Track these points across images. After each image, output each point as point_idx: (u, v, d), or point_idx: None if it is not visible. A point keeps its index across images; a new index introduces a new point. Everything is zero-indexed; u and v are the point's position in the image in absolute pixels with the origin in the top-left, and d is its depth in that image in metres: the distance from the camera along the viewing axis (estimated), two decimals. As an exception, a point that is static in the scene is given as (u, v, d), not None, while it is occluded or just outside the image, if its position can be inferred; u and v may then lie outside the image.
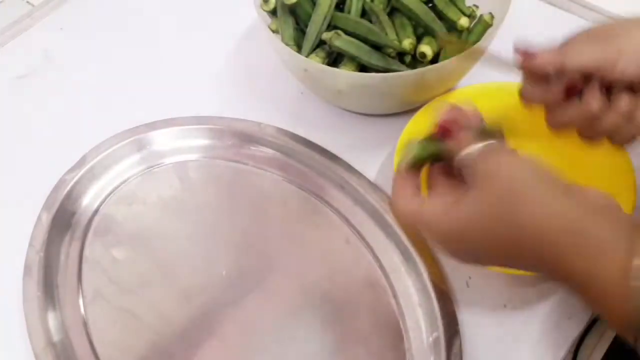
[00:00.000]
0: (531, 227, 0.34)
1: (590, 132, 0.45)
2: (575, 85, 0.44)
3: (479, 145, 0.38)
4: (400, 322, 0.51)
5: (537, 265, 0.35)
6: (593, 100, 0.43)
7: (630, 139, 0.44)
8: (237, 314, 0.52)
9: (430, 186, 0.42)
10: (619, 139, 0.44)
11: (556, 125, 0.46)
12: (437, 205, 0.38)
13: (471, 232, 0.36)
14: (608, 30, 0.44)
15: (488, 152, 0.38)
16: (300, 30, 0.64)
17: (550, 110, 0.46)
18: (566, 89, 0.44)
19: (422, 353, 0.50)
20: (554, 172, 0.36)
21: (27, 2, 0.82)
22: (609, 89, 0.44)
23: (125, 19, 0.78)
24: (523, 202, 0.34)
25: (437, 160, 0.42)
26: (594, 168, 0.57)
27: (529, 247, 0.34)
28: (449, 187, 0.40)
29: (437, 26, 0.61)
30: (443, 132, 0.41)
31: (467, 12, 0.63)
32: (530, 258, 0.35)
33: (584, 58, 0.43)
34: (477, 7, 0.65)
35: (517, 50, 0.44)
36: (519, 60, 0.44)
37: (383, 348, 0.50)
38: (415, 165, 0.41)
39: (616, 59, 0.41)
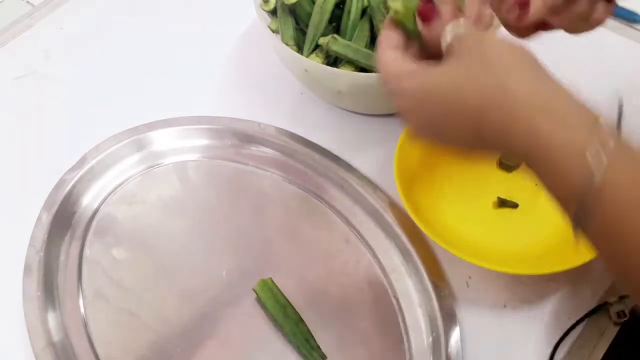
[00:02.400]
0: (510, 92, 0.34)
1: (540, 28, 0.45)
2: None
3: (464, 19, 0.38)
4: (400, 322, 0.51)
5: (500, 135, 0.35)
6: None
7: (582, 32, 0.45)
8: (237, 314, 0.52)
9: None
10: (573, 32, 0.45)
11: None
12: (421, 63, 0.38)
13: (447, 87, 0.36)
14: None
15: (478, 32, 0.38)
16: (300, 30, 0.64)
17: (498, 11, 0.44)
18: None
19: (422, 353, 0.50)
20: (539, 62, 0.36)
21: (27, 2, 0.82)
22: None
23: (125, 19, 0.78)
24: (508, 71, 0.35)
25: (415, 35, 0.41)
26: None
27: (501, 112, 0.34)
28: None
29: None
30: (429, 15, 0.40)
31: (467, 12, 0.63)
32: (496, 124, 0.35)
33: None
34: (477, 7, 0.65)
35: (508, 14, 0.43)
36: (514, 22, 0.43)
37: (383, 348, 0.50)
38: (398, 21, 0.40)
39: None
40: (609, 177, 0.31)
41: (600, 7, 0.44)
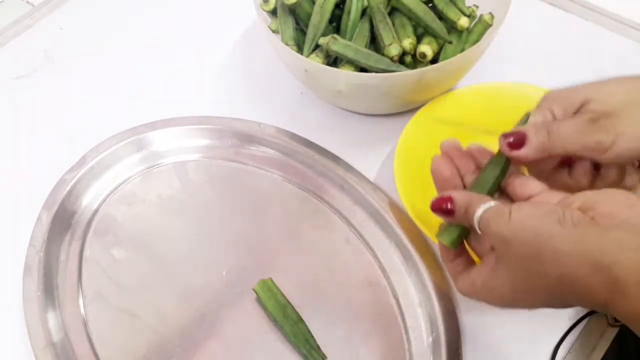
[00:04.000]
0: (558, 275, 0.35)
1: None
2: (566, 159, 0.43)
3: (479, 213, 0.39)
4: (400, 322, 0.51)
5: (584, 299, 0.36)
6: (583, 177, 0.43)
7: None
8: (237, 314, 0.52)
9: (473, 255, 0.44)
10: None
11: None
12: (481, 279, 0.41)
13: (517, 293, 0.39)
14: (604, 106, 0.41)
15: (491, 220, 0.38)
16: (300, 30, 0.64)
17: (538, 175, 0.44)
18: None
19: (422, 353, 0.50)
20: (554, 214, 0.36)
21: (27, 2, 0.82)
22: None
23: (125, 19, 0.78)
24: (542, 258, 0.36)
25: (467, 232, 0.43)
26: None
27: (567, 290, 0.36)
28: (484, 256, 0.42)
29: (437, 26, 0.61)
30: (444, 214, 0.42)
31: (467, 12, 0.63)
32: (572, 294, 0.36)
33: (574, 146, 0.41)
34: (477, 7, 0.65)
35: (503, 139, 0.42)
36: (505, 150, 0.42)
37: (383, 348, 0.50)
38: (453, 248, 0.43)
39: (609, 146, 0.40)
40: None
41: (632, 176, 0.43)
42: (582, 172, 0.43)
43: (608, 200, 0.36)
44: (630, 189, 0.43)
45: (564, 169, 0.44)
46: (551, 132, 0.41)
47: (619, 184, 0.43)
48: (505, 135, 0.42)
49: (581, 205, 0.36)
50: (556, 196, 0.39)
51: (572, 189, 0.41)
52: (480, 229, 0.39)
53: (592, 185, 0.43)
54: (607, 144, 0.39)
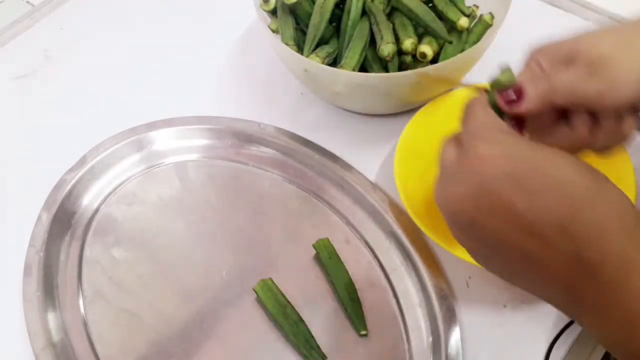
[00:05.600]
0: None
1: (577, 149, 0.44)
2: (562, 109, 0.43)
3: None
4: (400, 322, 0.51)
5: (590, 238, 0.32)
6: (582, 127, 0.42)
7: (612, 149, 0.44)
8: (237, 314, 0.52)
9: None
10: (603, 151, 0.44)
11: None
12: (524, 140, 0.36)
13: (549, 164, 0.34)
14: (595, 55, 0.40)
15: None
16: (300, 30, 0.64)
17: (536, 133, 0.44)
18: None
19: (422, 353, 0.50)
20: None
21: (27, 2, 0.82)
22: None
23: (125, 19, 0.78)
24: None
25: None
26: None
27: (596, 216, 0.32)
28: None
29: (438, 26, 0.61)
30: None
31: (467, 12, 0.63)
32: (589, 225, 0.32)
33: (574, 95, 0.41)
34: (477, 7, 0.65)
35: (501, 97, 0.42)
36: (504, 108, 0.41)
37: (383, 348, 0.50)
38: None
39: (606, 93, 0.40)
40: None
41: (628, 120, 0.42)
42: (581, 122, 0.42)
43: None
44: (627, 133, 0.43)
45: (560, 124, 0.43)
46: (552, 82, 0.41)
47: (617, 130, 0.43)
48: (501, 92, 0.42)
49: None
50: None
51: (574, 142, 0.42)
52: None
53: (592, 134, 0.43)
54: (605, 92, 0.40)
